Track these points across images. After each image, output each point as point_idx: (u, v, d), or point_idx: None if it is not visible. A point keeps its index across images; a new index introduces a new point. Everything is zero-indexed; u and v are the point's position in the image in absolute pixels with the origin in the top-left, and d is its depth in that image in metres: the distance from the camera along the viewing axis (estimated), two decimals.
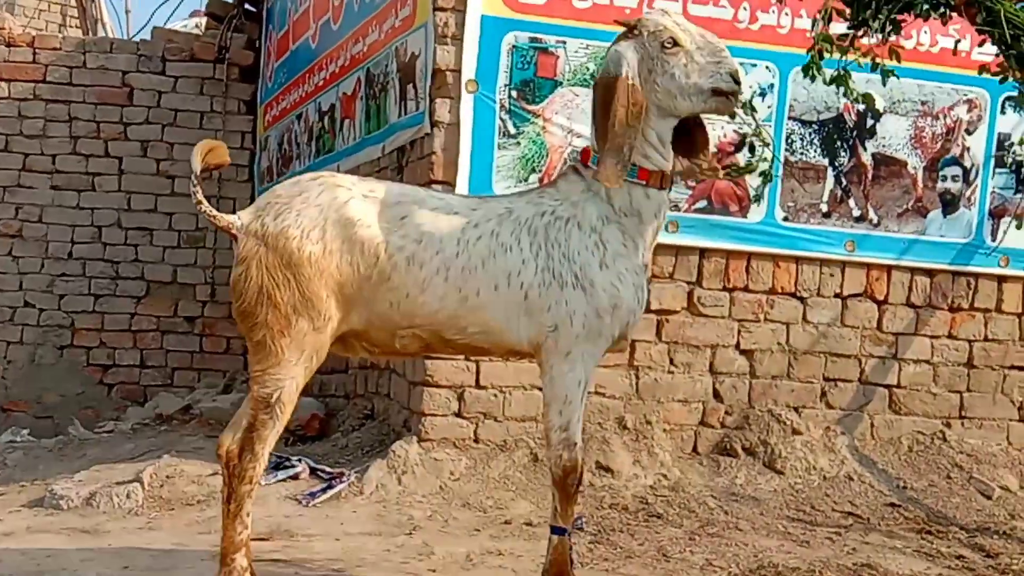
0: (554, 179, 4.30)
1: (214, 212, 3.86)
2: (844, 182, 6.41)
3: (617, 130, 3.76)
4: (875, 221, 6.47)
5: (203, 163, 3.82)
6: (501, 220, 3.90)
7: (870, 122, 6.41)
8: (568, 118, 6.00)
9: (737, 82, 3.82)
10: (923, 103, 6.48)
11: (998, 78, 4.29)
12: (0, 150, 9.48)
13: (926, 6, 4.08)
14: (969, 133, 6.59)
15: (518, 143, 5.97)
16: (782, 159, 4.16)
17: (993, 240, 6.62)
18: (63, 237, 9.51)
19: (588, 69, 6.01)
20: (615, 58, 3.84)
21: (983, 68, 4.41)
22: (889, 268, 6.53)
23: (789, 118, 6.24)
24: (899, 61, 4.31)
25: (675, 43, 3.81)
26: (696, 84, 3.81)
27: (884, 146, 6.48)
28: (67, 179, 9.53)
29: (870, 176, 6.47)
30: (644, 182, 3.91)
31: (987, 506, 6.05)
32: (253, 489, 3.85)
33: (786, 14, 6.19)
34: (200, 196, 3.81)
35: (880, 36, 4.20)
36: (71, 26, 14.75)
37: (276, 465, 5.84)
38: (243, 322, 3.85)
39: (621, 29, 3.97)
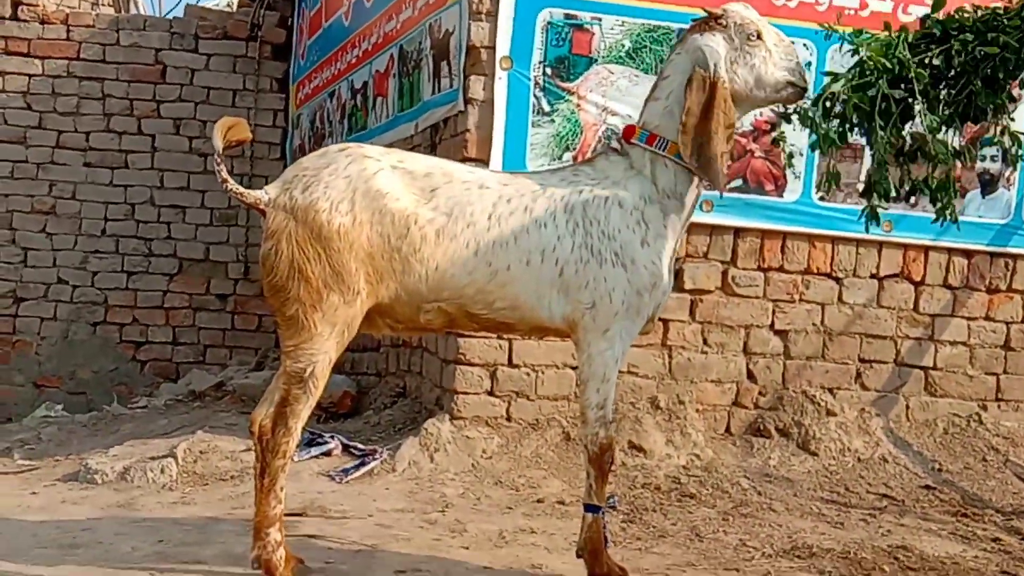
0: (591, 158, 4.28)
1: (240, 189, 3.84)
2: None
3: (720, 137, 3.81)
4: (912, 201, 6.38)
5: (224, 140, 3.81)
6: (535, 196, 3.87)
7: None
8: (603, 95, 5.96)
9: (805, 78, 3.93)
10: None
11: None
12: (34, 127, 9.53)
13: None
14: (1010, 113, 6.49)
15: (552, 121, 5.93)
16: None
17: None
18: (96, 214, 9.56)
19: (623, 46, 5.97)
20: (714, 56, 3.85)
21: None
22: (926, 249, 6.46)
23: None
24: None
25: (759, 36, 3.89)
26: (774, 77, 3.90)
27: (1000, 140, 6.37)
28: (100, 156, 9.58)
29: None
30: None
31: (1023, 489, 5.99)
32: (287, 464, 3.85)
33: None
34: (225, 174, 3.80)
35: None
36: (104, 4, 14.77)
37: (309, 442, 5.86)
38: (274, 297, 3.83)
39: (701, 14, 3.99)
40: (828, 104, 3.91)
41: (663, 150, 3.91)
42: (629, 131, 4.02)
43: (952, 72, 3.81)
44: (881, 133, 3.83)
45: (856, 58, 3.95)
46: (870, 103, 3.82)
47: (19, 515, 4.91)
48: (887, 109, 3.82)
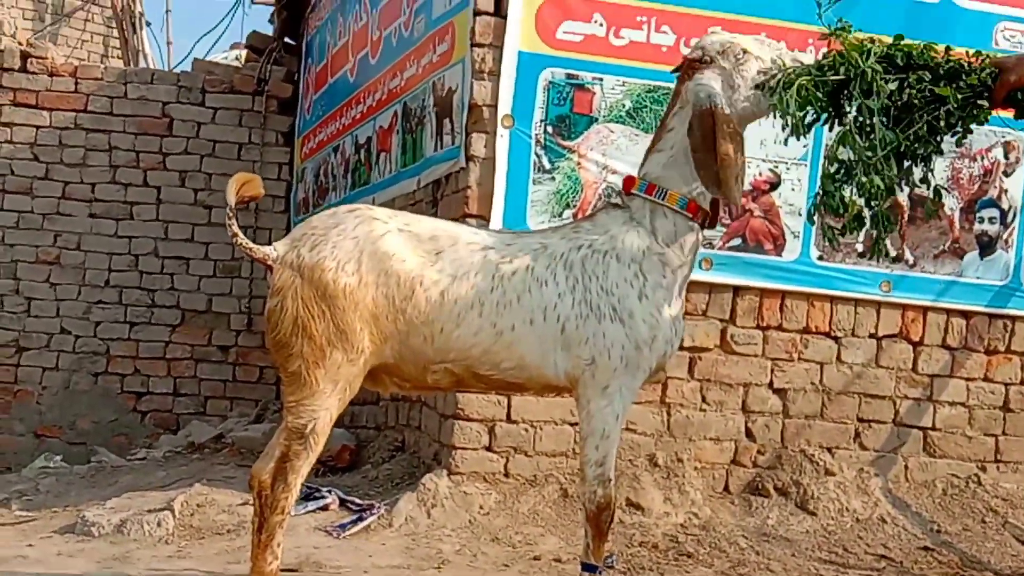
0: (591, 213, 4.31)
1: (250, 244, 3.88)
2: None
3: (728, 162, 3.80)
4: (911, 262, 6.44)
5: (238, 196, 3.86)
6: (536, 255, 3.91)
7: (906, 163, 6.36)
8: (603, 154, 6.02)
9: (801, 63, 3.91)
10: (960, 144, 6.42)
11: None
12: (40, 178, 9.59)
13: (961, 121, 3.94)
14: (1007, 175, 6.55)
15: (553, 178, 5.98)
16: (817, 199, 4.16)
17: None
18: (100, 265, 9.59)
19: (624, 106, 6.03)
20: (704, 91, 3.87)
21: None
22: (925, 309, 6.48)
23: (825, 157, 6.19)
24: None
25: (745, 52, 3.91)
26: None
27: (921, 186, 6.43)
28: (106, 207, 9.63)
29: (907, 216, 6.43)
30: (691, 216, 3.93)
31: (1022, 551, 5.96)
32: (285, 520, 3.86)
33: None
34: (235, 228, 3.84)
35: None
36: (113, 56, 14.94)
37: (306, 496, 5.85)
38: (278, 353, 3.87)
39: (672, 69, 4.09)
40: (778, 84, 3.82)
41: (662, 199, 3.94)
42: (629, 182, 4.05)
43: (898, 104, 3.77)
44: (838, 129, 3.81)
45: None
46: (828, 95, 3.78)
47: (15, 567, 4.89)
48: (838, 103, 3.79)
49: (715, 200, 4.02)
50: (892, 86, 3.72)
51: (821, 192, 3.96)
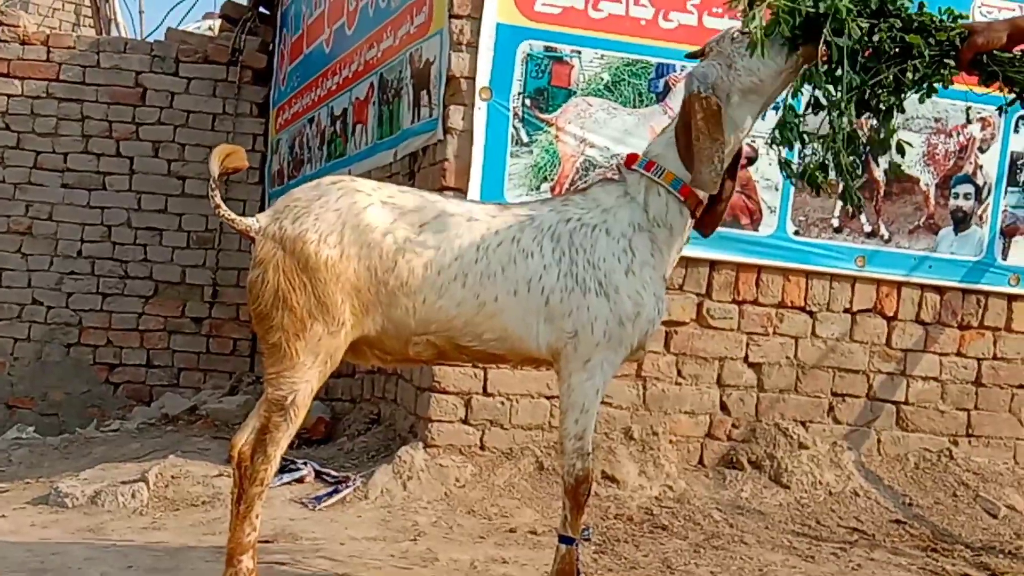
0: (585, 186, 4.29)
1: (233, 215, 3.86)
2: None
3: (703, 143, 3.79)
4: (886, 237, 6.47)
5: (221, 167, 3.83)
6: (523, 226, 3.89)
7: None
8: (581, 127, 6.01)
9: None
10: (936, 120, 6.47)
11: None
12: (12, 147, 9.51)
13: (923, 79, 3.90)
14: (982, 151, 6.59)
15: (531, 151, 5.97)
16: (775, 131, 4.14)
17: (1004, 259, 6.62)
18: (73, 235, 9.53)
19: (602, 79, 6.02)
20: (692, 80, 3.87)
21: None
22: (899, 284, 6.52)
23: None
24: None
25: (742, 32, 3.87)
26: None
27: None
28: (78, 178, 9.56)
29: (882, 192, 6.46)
30: (683, 199, 3.91)
31: (993, 525, 6.04)
32: (264, 491, 3.85)
33: None
34: (219, 200, 3.82)
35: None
36: (85, 25, 14.79)
37: (281, 468, 5.80)
38: (259, 325, 3.85)
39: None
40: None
41: (659, 177, 3.93)
42: (632, 158, 4.04)
43: (867, 48, 3.73)
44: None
45: None
46: (798, 27, 3.71)
47: None
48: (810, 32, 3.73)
49: (715, 202, 3.97)
50: (863, 25, 3.71)
51: (780, 123, 3.93)
